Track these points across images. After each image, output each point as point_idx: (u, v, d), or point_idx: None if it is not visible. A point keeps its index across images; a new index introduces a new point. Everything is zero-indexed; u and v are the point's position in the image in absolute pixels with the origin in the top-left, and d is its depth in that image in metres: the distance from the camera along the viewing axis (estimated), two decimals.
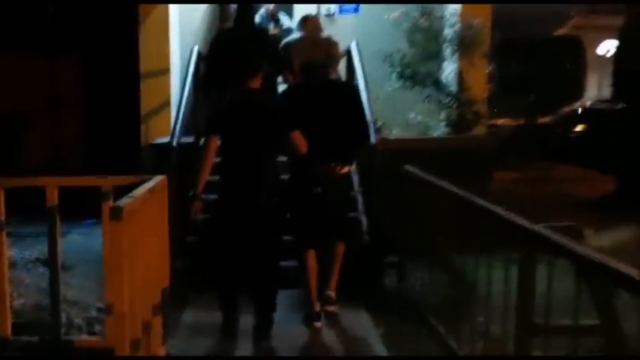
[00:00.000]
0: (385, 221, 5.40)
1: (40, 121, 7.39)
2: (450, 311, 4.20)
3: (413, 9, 7.32)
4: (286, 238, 4.68)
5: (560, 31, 17.85)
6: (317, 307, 4.52)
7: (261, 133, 4.13)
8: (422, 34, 7.31)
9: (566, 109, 14.27)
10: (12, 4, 7.34)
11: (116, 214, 2.67)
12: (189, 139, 6.07)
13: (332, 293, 4.68)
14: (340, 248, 4.68)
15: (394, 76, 7.41)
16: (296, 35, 6.48)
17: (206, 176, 4.16)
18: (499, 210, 3.44)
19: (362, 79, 6.25)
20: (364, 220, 5.66)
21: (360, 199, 5.89)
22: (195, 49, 6.76)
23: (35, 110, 7.37)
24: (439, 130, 7.62)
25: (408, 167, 5.31)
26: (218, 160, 4.37)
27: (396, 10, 7.31)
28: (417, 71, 7.36)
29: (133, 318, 2.93)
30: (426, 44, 7.34)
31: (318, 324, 4.49)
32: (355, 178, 5.99)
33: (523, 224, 3.12)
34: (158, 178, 3.57)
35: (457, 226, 4.07)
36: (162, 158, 5.55)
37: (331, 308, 4.68)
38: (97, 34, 7.20)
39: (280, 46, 6.43)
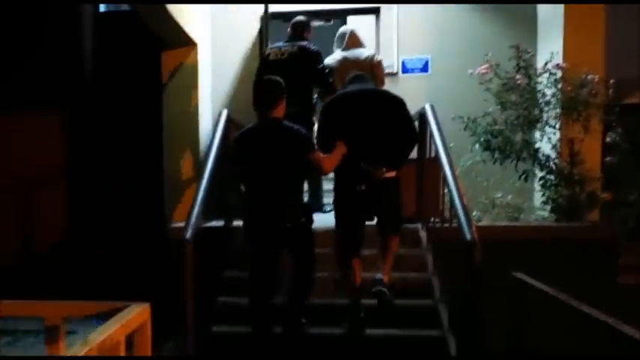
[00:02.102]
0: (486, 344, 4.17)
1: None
2: None
3: (505, 62, 5.72)
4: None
5: None
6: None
7: (279, 162, 4.09)
8: (517, 94, 5.68)
9: None
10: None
11: None
12: (218, 223, 5.30)
13: (384, 277, 4.27)
14: (393, 241, 4.43)
15: (477, 145, 5.82)
16: (336, 55, 5.89)
17: None
18: None
19: (443, 151, 4.69)
20: (452, 341, 4.26)
21: (444, 312, 4.51)
22: (225, 113, 5.32)
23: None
24: (534, 214, 6.04)
25: (520, 275, 4.24)
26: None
27: (481, 65, 5.71)
28: (509, 140, 5.72)
29: None
30: (523, 107, 5.68)
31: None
32: (435, 284, 4.76)
33: None
34: (136, 310, 2.60)
35: None
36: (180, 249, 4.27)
37: (382, 288, 4.21)
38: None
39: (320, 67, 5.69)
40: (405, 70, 7.02)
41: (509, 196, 5.97)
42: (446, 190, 4.65)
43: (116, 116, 6.67)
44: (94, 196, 6.70)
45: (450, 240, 4.63)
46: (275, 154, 4.07)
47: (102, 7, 7.07)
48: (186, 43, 6.41)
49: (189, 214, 4.30)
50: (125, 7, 6.76)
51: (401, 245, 4.60)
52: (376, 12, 7.11)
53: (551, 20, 6.45)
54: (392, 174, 4.32)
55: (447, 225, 4.82)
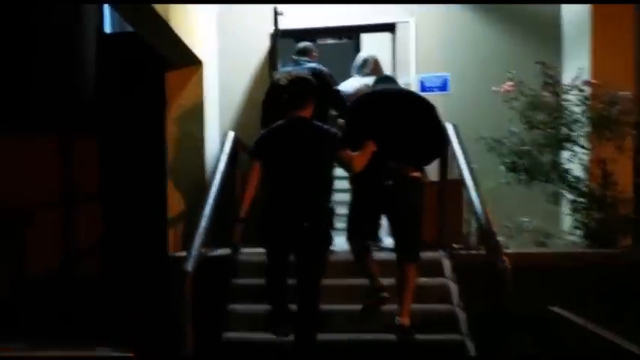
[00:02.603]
0: None
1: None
2: None
3: (529, 78, 5.38)
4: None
5: None
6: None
7: (306, 160, 3.94)
8: (544, 113, 5.33)
9: None
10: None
11: None
12: (224, 251, 4.99)
13: (405, 320, 4.04)
14: (411, 271, 4.15)
15: (503, 167, 5.46)
16: (355, 83, 5.64)
17: (249, 201, 4.02)
18: None
19: (467, 172, 4.37)
20: None
21: (472, 347, 4.14)
22: (231, 135, 5.01)
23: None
24: (564, 239, 5.61)
25: (557, 309, 4.04)
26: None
27: (505, 82, 5.37)
28: (536, 161, 5.35)
29: None
30: (550, 126, 5.33)
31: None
32: (461, 316, 4.37)
33: None
34: None
35: None
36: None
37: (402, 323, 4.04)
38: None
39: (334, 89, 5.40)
40: (423, 88, 6.68)
41: (537, 221, 5.57)
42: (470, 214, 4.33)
43: (118, 139, 6.40)
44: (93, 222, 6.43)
45: (477, 268, 4.29)
46: (303, 152, 3.93)
47: (107, 28, 6.88)
48: (192, 62, 6.15)
49: (190, 244, 3.98)
50: (130, 28, 6.53)
51: (422, 273, 4.25)
52: (392, 28, 6.81)
53: (576, 34, 6.12)
54: (418, 174, 4.19)
55: (472, 251, 4.48)
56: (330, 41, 7.25)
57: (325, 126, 4.03)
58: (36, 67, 6.60)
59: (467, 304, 4.41)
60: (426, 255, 4.64)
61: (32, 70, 6.60)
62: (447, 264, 4.89)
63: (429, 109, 4.21)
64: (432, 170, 5.05)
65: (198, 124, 6.22)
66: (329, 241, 3.98)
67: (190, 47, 5.79)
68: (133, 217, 6.35)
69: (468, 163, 4.42)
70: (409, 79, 6.62)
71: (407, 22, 6.70)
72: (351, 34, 6.95)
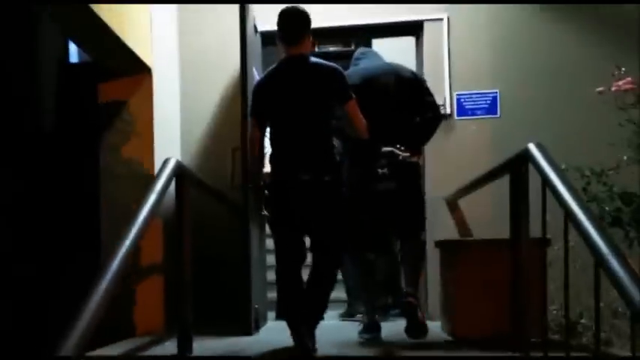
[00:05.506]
0: None
1: None
2: None
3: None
4: None
5: None
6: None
7: (308, 101, 3.44)
8: None
9: None
10: None
11: None
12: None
13: (410, 289, 3.72)
14: (411, 249, 3.83)
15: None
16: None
17: (257, 159, 3.68)
18: None
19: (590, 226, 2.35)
20: None
21: None
22: (172, 164, 3.08)
23: None
24: None
25: None
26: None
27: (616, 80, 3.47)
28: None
29: None
30: None
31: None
32: None
33: None
34: None
35: None
36: None
37: (410, 298, 3.69)
38: None
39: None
40: (462, 112, 4.82)
41: None
42: None
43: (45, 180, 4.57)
44: None
45: None
46: (303, 95, 3.46)
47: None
48: (136, 69, 4.37)
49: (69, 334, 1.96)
50: None
51: None
52: (417, 29, 4.97)
53: None
54: (413, 158, 3.83)
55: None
56: (332, 48, 5.42)
57: (328, 63, 3.51)
58: None
59: None
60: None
61: None
62: None
63: (418, 83, 3.90)
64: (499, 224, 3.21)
65: (145, 152, 4.40)
66: (338, 200, 3.45)
67: (132, 48, 4.06)
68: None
69: (583, 206, 2.44)
70: (440, 99, 4.72)
71: (439, 19, 4.87)
72: (361, 37, 5.10)
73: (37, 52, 4.65)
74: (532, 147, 2.95)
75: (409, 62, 4.98)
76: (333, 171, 3.45)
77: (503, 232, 3.36)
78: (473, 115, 4.81)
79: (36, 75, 4.68)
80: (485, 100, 4.80)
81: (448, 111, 4.79)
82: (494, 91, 4.79)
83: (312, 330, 3.41)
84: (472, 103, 4.81)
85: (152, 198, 2.70)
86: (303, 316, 3.42)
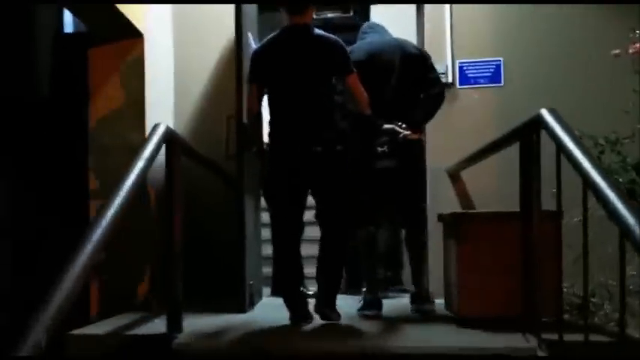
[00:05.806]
0: None
1: None
2: None
3: None
4: None
5: None
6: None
7: (311, 72, 3.41)
8: None
9: None
10: None
11: None
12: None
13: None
14: (413, 239, 3.84)
15: None
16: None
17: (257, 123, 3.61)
18: None
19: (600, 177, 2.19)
20: None
21: None
22: (161, 130, 2.91)
23: None
24: None
25: None
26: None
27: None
28: None
29: None
30: None
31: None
32: None
33: None
34: None
35: None
36: None
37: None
38: None
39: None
40: (464, 80, 4.64)
41: None
42: None
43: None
44: None
45: None
46: (305, 65, 3.42)
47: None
48: (126, 34, 4.17)
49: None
50: None
51: None
52: None
53: None
54: (414, 136, 3.77)
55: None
56: (331, 15, 5.22)
57: (332, 35, 3.48)
58: None
59: None
60: (507, 340, 2.75)
61: None
62: None
63: (422, 59, 3.85)
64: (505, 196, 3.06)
65: (137, 124, 4.20)
66: (344, 171, 3.46)
67: (124, 12, 3.90)
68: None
69: (603, 175, 2.27)
70: (442, 67, 4.55)
71: None
72: (360, 3, 4.90)
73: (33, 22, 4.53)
74: (545, 112, 2.78)
75: (409, 29, 4.83)
76: (343, 140, 3.45)
77: (509, 204, 3.21)
78: (476, 83, 4.64)
79: (29, 44, 4.54)
80: (489, 69, 4.61)
81: (450, 80, 4.61)
82: (498, 59, 4.61)
83: (333, 304, 3.44)
84: (475, 71, 4.63)
85: (140, 164, 2.51)
86: (298, 287, 3.47)
